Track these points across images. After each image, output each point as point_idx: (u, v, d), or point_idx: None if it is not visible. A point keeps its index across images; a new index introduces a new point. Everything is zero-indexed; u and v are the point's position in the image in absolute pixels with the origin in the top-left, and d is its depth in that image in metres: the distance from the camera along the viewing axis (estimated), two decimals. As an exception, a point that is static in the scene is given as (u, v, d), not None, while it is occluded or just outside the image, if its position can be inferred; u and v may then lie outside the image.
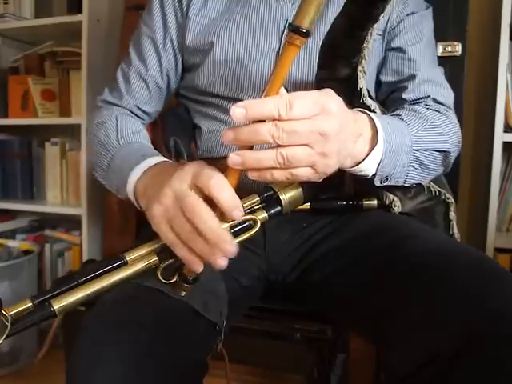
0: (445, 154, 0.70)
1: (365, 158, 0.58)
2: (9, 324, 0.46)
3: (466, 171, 1.36)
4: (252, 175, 0.47)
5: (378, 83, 0.81)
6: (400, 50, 0.78)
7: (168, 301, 0.55)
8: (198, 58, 0.80)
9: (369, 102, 0.66)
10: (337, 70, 0.65)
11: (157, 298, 0.55)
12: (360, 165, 0.58)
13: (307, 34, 0.44)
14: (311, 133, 0.45)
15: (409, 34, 0.78)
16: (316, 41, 0.73)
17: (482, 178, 1.28)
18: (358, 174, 0.61)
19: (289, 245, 0.75)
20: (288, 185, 0.54)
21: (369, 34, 0.62)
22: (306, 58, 0.74)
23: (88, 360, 0.49)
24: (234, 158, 0.46)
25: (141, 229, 1.08)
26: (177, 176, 0.50)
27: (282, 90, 0.47)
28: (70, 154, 1.65)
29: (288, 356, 1.18)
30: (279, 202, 0.54)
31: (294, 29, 0.44)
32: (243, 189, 0.51)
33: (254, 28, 0.76)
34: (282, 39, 0.75)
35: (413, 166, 0.65)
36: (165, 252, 0.51)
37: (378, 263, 0.63)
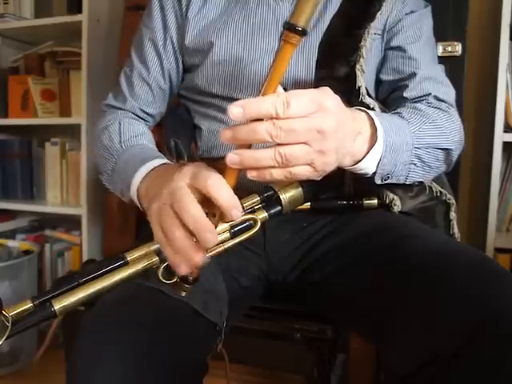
0: (447, 151, 0.70)
1: (364, 156, 0.58)
2: (9, 324, 0.46)
3: (466, 171, 1.36)
4: (251, 175, 0.47)
5: (379, 82, 0.81)
6: (400, 48, 0.78)
7: (168, 301, 0.55)
8: (198, 58, 0.80)
9: (368, 100, 0.66)
10: (335, 68, 0.65)
11: (157, 298, 0.55)
12: (360, 163, 0.58)
13: (303, 33, 0.44)
14: (309, 130, 0.45)
15: (408, 33, 0.78)
16: (315, 40, 0.73)
17: (482, 178, 1.29)
18: (359, 172, 0.61)
19: (289, 244, 0.75)
20: (288, 184, 0.54)
21: (366, 33, 0.63)
22: (305, 58, 0.75)
23: (88, 360, 0.49)
24: (233, 157, 0.46)
25: (141, 229, 1.08)
26: (175, 177, 0.50)
27: (280, 88, 0.47)
28: (70, 154, 1.65)
29: (288, 356, 1.18)
30: (279, 202, 0.54)
31: (290, 27, 0.44)
32: (243, 189, 0.51)
33: (254, 28, 0.76)
34: (282, 39, 0.75)
35: (414, 164, 0.65)
36: (165, 252, 0.51)
37: (378, 263, 0.63)
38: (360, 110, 0.60)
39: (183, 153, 0.79)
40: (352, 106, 0.58)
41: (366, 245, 0.67)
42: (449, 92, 0.78)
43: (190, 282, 0.52)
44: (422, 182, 0.70)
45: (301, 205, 0.56)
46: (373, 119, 0.59)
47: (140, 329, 0.51)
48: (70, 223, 1.70)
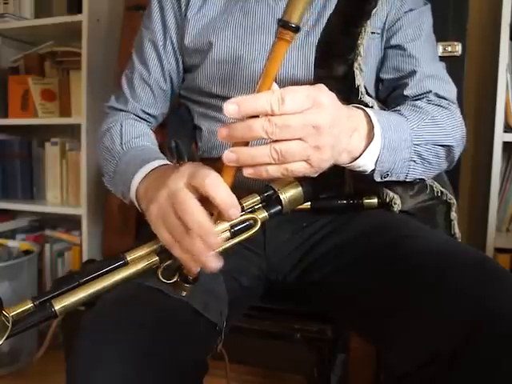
0: (448, 148, 0.69)
1: (362, 153, 0.58)
2: (10, 325, 0.46)
3: (466, 171, 1.36)
4: (247, 172, 0.47)
5: (380, 81, 0.81)
6: (399, 47, 0.78)
7: (168, 301, 0.55)
8: (198, 58, 0.80)
9: (367, 99, 0.66)
10: (333, 68, 0.65)
11: (157, 297, 0.55)
12: (357, 160, 0.58)
13: (297, 29, 0.44)
14: (304, 126, 0.46)
15: (408, 31, 0.77)
16: (313, 40, 0.73)
17: (481, 178, 1.29)
18: (357, 170, 0.61)
19: (289, 244, 0.75)
20: (288, 184, 0.54)
21: (363, 31, 0.63)
22: (303, 57, 0.74)
23: (88, 360, 0.49)
24: (229, 155, 0.46)
25: (141, 229, 1.08)
26: (173, 177, 0.50)
27: (274, 85, 0.47)
28: (70, 154, 1.65)
29: (288, 356, 1.18)
30: (279, 202, 0.54)
31: (284, 24, 0.44)
32: (243, 188, 0.51)
33: (253, 28, 0.76)
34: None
35: (414, 161, 0.65)
36: (165, 252, 0.51)
37: (378, 263, 0.63)
38: (357, 107, 0.60)
39: (183, 153, 0.79)
40: (351, 105, 0.59)
41: (366, 244, 0.66)
42: (450, 89, 0.77)
43: (190, 281, 0.52)
44: (423, 180, 0.69)
45: (301, 204, 0.56)
46: (370, 117, 0.59)
47: (140, 329, 0.51)
48: (70, 223, 1.69)
